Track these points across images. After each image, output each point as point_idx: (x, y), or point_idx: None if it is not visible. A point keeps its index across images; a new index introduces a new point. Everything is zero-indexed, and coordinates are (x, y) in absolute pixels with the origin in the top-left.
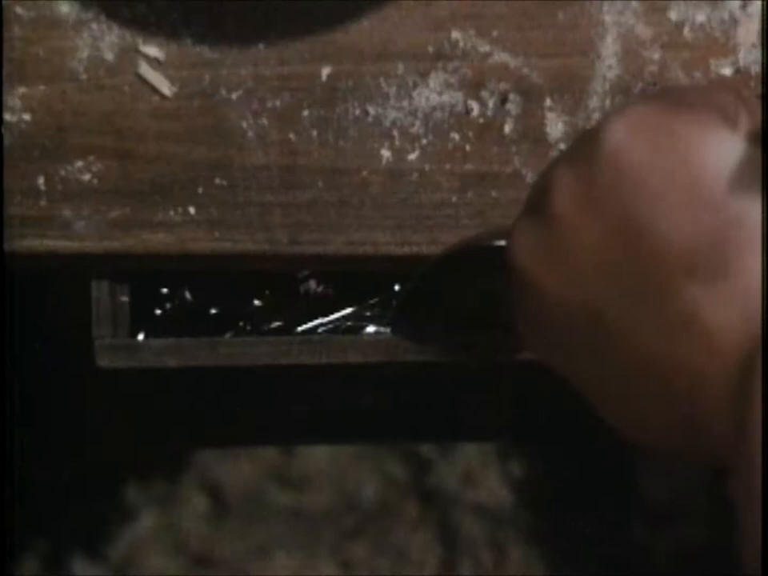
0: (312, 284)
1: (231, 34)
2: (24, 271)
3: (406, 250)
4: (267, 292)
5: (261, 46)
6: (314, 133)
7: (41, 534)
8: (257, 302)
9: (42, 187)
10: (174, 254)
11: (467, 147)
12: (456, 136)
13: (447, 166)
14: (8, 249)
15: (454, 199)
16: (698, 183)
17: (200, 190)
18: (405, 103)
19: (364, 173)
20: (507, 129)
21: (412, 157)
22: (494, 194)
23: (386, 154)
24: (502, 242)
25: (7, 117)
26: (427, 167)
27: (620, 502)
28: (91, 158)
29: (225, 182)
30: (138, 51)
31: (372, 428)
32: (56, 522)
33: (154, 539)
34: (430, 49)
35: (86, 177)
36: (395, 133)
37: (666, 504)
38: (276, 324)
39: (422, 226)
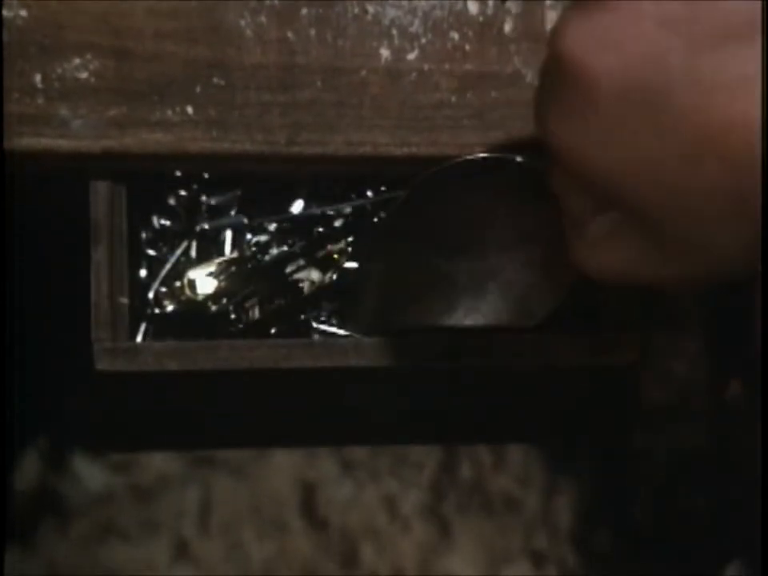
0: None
1: None
2: (23, 171)
3: (405, 150)
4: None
5: None
6: (313, 31)
7: (41, 431)
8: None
9: (40, 85)
10: (171, 154)
11: (467, 47)
12: (455, 35)
13: (446, 66)
14: (7, 147)
15: (453, 99)
16: None
17: (198, 90)
18: (404, 1)
19: (363, 72)
20: (507, 28)
21: (411, 56)
22: (493, 94)
23: (384, 53)
24: (481, 155)
25: (4, 12)
26: (426, 67)
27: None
28: (89, 57)
29: (223, 82)
30: None
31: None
32: (57, 420)
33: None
34: None
35: (84, 75)
36: (394, 32)
37: (664, 407)
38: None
39: (421, 127)
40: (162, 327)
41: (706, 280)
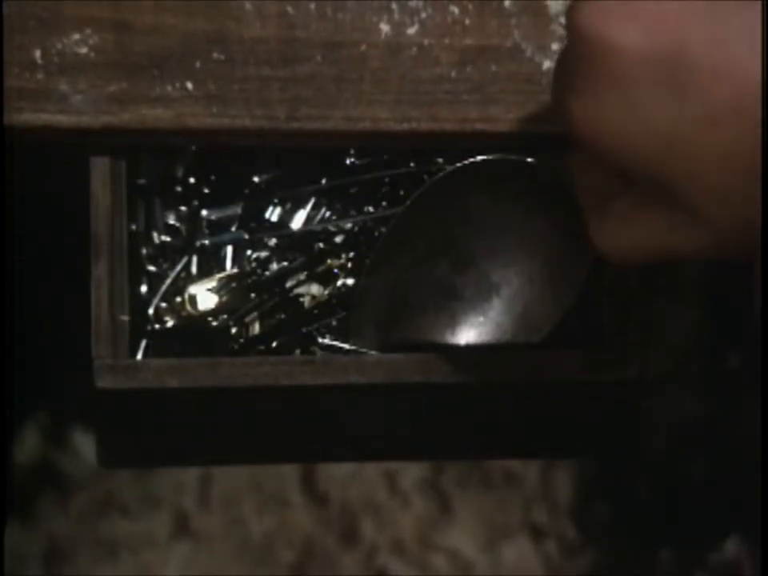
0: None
1: None
2: (23, 147)
3: (405, 126)
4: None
5: None
6: (312, 5)
7: (41, 405)
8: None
9: (39, 60)
10: (171, 130)
11: (466, 21)
12: (455, 9)
13: (446, 41)
14: (7, 122)
15: (453, 74)
16: None
17: (198, 65)
18: None
19: (363, 47)
20: (507, 2)
21: (411, 31)
22: (493, 68)
23: (384, 27)
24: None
25: None
26: (426, 41)
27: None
28: (88, 31)
29: (222, 56)
30: None
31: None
32: (57, 394)
33: None
34: None
35: (83, 50)
36: (394, 6)
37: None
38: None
39: (421, 102)
40: (162, 343)
41: (733, 249)
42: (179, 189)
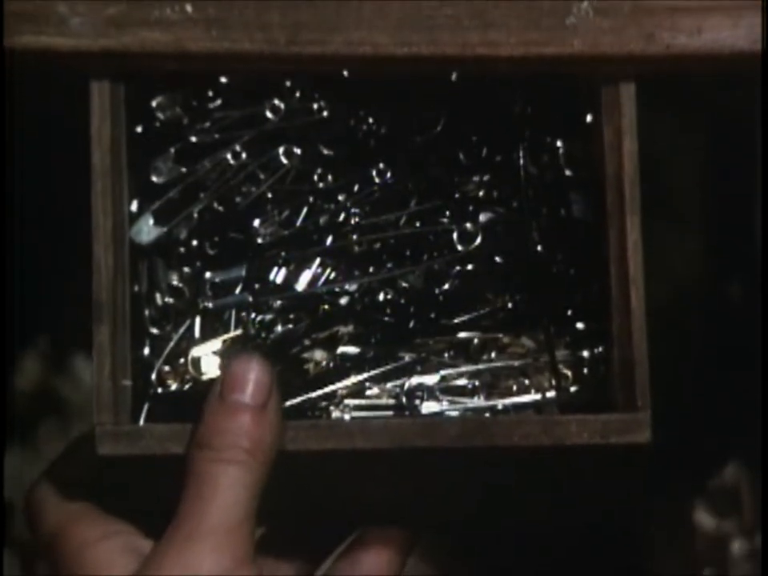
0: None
1: None
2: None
3: (405, 50)
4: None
5: None
6: None
7: (41, 330)
8: None
9: None
10: (170, 53)
11: None
12: None
13: None
14: (7, 45)
15: None
16: None
17: None
18: None
19: None
20: None
21: None
22: None
23: None
24: None
25: None
26: None
27: None
28: None
29: None
30: None
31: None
32: (58, 321)
33: None
34: None
35: None
36: None
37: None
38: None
39: (422, 26)
40: (165, 407)
41: None
42: (182, 250)
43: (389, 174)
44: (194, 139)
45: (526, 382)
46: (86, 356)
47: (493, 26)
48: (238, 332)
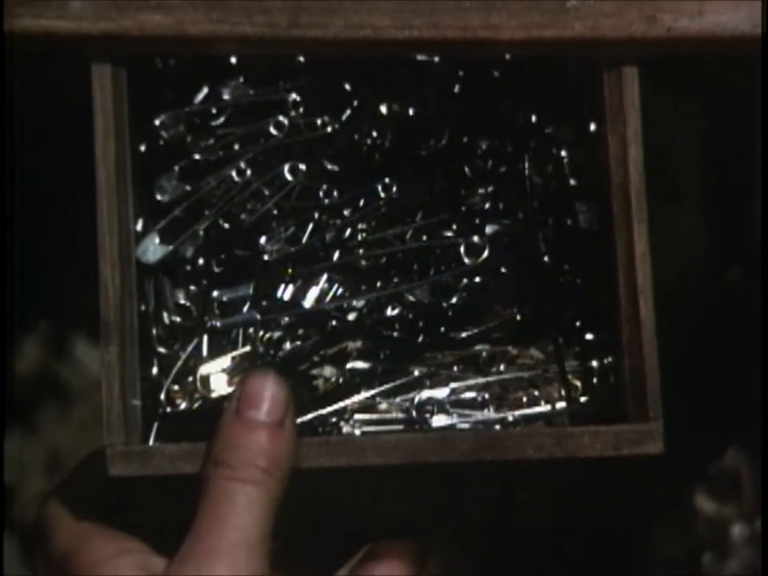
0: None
1: None
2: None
3: (406, 33)
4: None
5: None
6: None
7: (43, 315)
8: None
9: None
10: (171, 36)
11: None
12: None
13: None
14: (6, 28)
15: None
16: None
17: None
18: None
19: None
20: None
21: None
22: None
23: None
24: None
25: None
26: None
27: None
28: None
29: None
30: None
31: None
32: (58, 304)
33: None
34: None
35: None
36: None
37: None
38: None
39: (423, 9)
40: (174, 426)
41: None
42: (188, 268)
43: (394, 189)
44: (197, 157)
45: (536, 393)
46: (86, 340)
47: (494, 9)
48: (247, 349)
